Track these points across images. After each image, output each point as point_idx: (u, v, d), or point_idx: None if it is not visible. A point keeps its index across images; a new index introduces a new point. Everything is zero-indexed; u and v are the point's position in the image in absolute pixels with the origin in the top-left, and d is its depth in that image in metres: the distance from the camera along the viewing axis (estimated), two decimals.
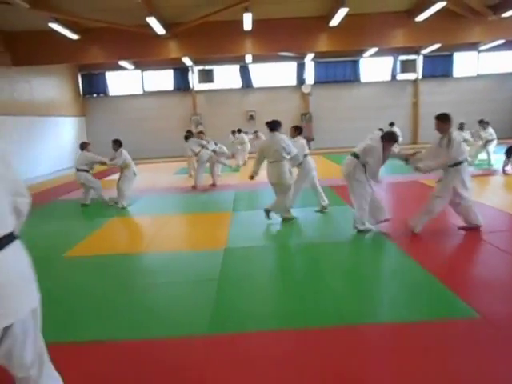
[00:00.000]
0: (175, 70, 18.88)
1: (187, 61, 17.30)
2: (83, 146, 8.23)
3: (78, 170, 8.11)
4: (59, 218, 7.42)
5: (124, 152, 7.94)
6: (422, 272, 3.97)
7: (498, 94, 19.31)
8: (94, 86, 19.13)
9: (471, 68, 19.36)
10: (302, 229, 5.89)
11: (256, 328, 3.10)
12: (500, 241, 4.87)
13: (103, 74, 18.95)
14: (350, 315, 3.21)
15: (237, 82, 19.23)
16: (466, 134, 11.06)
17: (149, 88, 19.26)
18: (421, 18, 12.48)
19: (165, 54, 13.62)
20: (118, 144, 7.97)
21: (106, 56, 13.71)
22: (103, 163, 8.24)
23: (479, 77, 19.37)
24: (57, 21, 11.33)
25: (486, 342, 2.75)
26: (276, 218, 6.31)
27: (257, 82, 19.23)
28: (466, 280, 3.79)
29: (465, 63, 19.33)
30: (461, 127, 11.12)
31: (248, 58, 17.28)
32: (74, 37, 12.48)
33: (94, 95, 19.25)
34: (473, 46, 18.31)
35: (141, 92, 19.28)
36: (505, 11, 12.21)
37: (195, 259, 4.66)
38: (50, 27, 11.41)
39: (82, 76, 18.96)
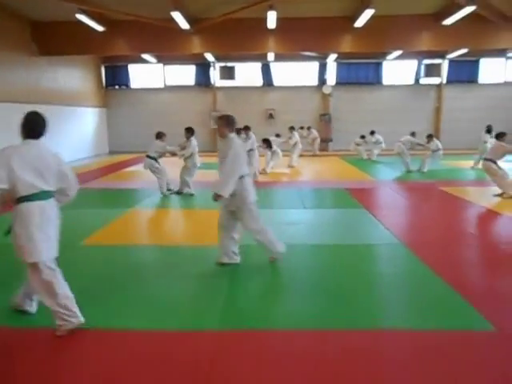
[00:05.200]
0: (197, 65, 18.97)
1: (209, 57, 17.37)
2: (158, 136, 8.32)
3: (147, 156, 8.23)
4: (78, 207, 7.48)
5: (194, 142, 8.04)
6: (435, 278, 3.91)
7: None
8: (116, 78, 19.37)
9: (498, 75, 18.92)
10: (317, 230, 5.86)
11: (267, 327, 3.10)
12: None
13: (126, 67, 19.17)
14: (363, 320, 3.18)
15: (258, 80, 19.21)
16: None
17: (170, 82, 19.40)
18: (448, 21, 12.24)
19: (188, 49, 13.69)
20: (190, 133, 8.05)
21: (131, 49, 13.85)
22: (174, 153, 8.38)
23: (506, 84, 18.92)
24: (84, 12, 11.50)
25: (501, 356, 2.69)
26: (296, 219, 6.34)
27: (278, 81, 19.18)
28: (484, 292, 3.71)
29: (491, 69, 18.88)
30: (488, 130, 11.99)
31: (270, 57, 17.24)
32: (100, 29, 12.65)
33: (116, 87, 19.49)
34: (501, 53, 17.89)
35: (162, 86, 19.43)
36: None
37: (209, 254, 4.67)
38: (76, 18, 11.59)
39: (105, 68, 19.22)
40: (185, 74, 19.29)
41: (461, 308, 3.34)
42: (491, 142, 11.12)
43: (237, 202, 4.14)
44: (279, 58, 17.79)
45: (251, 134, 10.08)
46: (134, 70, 19.32)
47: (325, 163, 14.24)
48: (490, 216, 6.69)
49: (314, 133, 16.98)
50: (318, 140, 16.99)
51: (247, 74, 19.10)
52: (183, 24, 12.08)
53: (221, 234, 4.33)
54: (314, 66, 19.04)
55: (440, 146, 11.71)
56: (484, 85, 19.05)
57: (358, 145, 15.73)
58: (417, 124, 18.71)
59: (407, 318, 3.22)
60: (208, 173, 11.06)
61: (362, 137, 15.53)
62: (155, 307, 3.42)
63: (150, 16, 12.24)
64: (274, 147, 11.43)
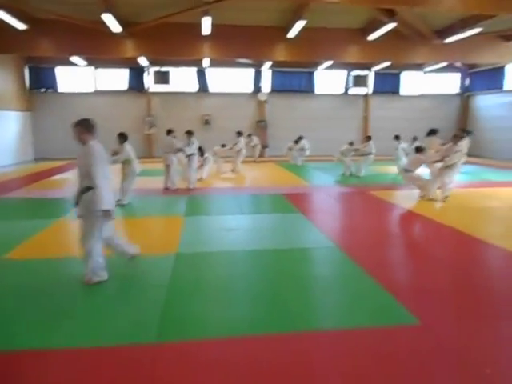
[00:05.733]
0: (130, 69, 18.38)
1: (143, 61, 16.93)
2: None
3: None
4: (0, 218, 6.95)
5: (128, 147, 7.64)
6: (366, 279, 4.12)
7: (439, 113, 20.53)
8: (42, 81, 18.14)
9: (417, 87, 20.49)
10: (255, 235, 5.92)
11: (207, 336, 3.07)
12: (440, 250, 5.17)
13: (53, 69, 18.04)
14: (299, 322, 3.26)
15: (193, 86, 19.07)
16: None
17: (101, 86, 18.60)
18: (373, 36, 13.07)
19: (120, 52, 13.24)
20: (123, 138, 7.68)
21: (57, 50, 13.07)
22: None
23: (423, 96, 20.54)
24: (2, 7, 10.65)
25: (426, 349, 2.90)
26: (232, 226, 6.36)
27: (213, 87, 19.18)
28: (409, 288, 3.98)
29: (411, 82, 20.41)
30: (396, 137, 13.18)
31: (205, 62, 17.22)
32: (22, 26, 11.80)
33: (42, 90, 18.27)
34: (419, 67, 19.44)
35: (93, 90, 18.57)
36: (447, 37, 13.09)
37: (144, 264, 4.53)
38: None
39: (30, 69, 17.95)
40: (117, 79, 18.60)
41: (390, 305, 3.55)
42: (401, 147, 12.62)
43: (84, 209, 3.86)
44: (215, 63, 17.82)
45: (194, 139, 9.98)
46: (62, 72, 18.26)
47: (262, 169, 14.45)
48: (412, 217, 7.21)
49: (255, 140, 17.24)
50: (259, 146, 17.24)
51: (182, 79, 18.88)
52: (115, 27, 11.67)
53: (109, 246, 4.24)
54: (250, 73, 19.31)
55: (373, 150, 12.38)
56: (405, 96, 20.54)
57: (290, 149, 16.18)
58: (347, 132, 19.69)
59: (341, 318, 3.36)
60: (149, 180, 10.78)
61: (296, 142, 16.00)
62: (87, 322, 3.24)
63: (78, 17, 11.68)
64: (206, 154, 11.39)
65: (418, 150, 8.58)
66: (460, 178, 10.73)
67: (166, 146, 9.82)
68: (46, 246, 5.34)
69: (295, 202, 8.11)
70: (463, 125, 20.84)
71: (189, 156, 9.85)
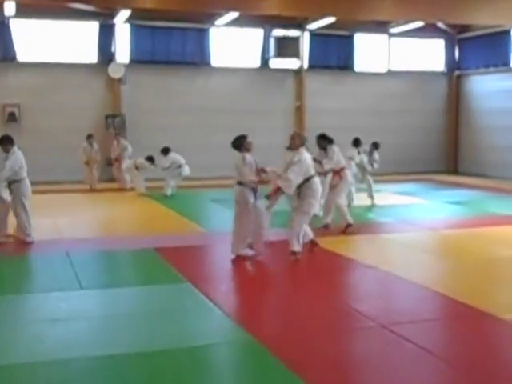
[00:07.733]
0: None
1: None
2: None
3: None
4: None
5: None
6: None
7: (416, 101, 22.17)
8: None
9: (380, 60, 21.95)
10: (106, 329, 5.80)
11: None
12: (425, 337, 5.48)
13: None
14: None
15: None
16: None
17: None
18: None
19: None
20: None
21: None
22: None
23: (391, 74, 22.08)
24: None
25: None
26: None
27: (24, 54, 18.81)
28: None
29: (371, 52, 21.79)
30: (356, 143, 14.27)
31: (9, 8, 16.74)
32: None
33: None
34: (381, 27, 20.78)
35: None
36: None
37: None
38: None
39: None
40: None
41: None
42: (360, 158, 13.73)
43: None
44: (26, 11, 17.41)
45: (15, 149, 9.44)
46: None
47: (120, 203, 14.26)
48: (383, 281, 7.61)
49: (126, 145, 17.34)
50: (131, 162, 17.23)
51: None
52: None
53: None
54: (93, 28, 19.24)
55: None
56: (361, 74, 21.87)
57: (137, 167, 16.35)
58: (268, 134, 20.14)
59: None
60: None
61: (149, 159, 16.15)
62: None
63: None
64: None
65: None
66: (453, 212, 11.62)
67: None
68: None
69: (179, 264, 8.13)
70: (453, 123, 22.56)
71: (12, 184, 9.42)
